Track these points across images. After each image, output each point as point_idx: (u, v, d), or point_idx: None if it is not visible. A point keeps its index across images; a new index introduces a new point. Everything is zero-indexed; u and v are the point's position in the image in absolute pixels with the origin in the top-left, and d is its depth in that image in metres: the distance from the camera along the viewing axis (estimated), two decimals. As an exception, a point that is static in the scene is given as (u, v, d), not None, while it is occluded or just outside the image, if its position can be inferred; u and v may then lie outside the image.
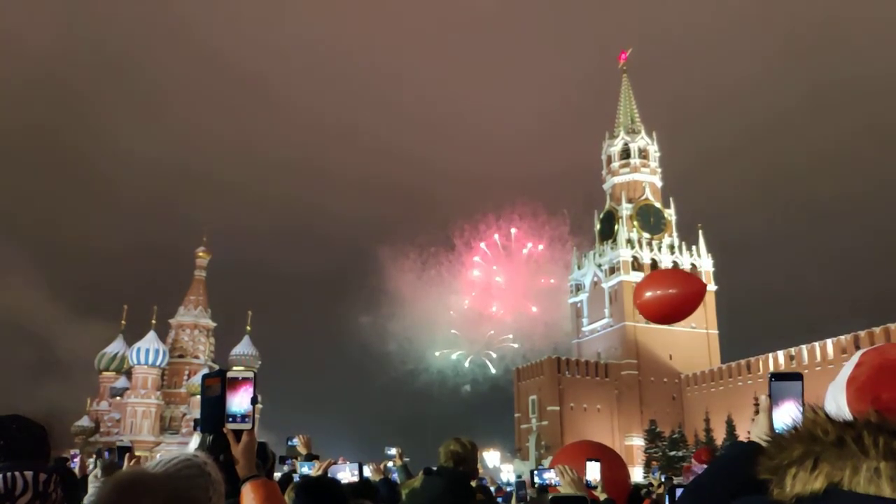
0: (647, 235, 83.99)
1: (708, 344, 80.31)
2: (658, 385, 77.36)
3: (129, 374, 71.12)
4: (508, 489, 11.87)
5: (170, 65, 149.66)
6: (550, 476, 4.17)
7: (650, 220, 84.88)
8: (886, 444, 1.03)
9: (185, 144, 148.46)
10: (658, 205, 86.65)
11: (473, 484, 4.57)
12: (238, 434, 2.15)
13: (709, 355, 79.19)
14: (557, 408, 74.88)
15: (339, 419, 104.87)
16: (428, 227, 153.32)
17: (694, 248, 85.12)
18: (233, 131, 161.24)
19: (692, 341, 77.98)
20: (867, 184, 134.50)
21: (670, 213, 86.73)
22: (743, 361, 72.17)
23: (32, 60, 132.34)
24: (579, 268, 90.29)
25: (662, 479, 11.89)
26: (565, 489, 3.67)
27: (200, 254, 78.79)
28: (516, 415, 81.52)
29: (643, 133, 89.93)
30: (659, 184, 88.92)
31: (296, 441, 5.76)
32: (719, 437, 63.46)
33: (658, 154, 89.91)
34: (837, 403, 1.50)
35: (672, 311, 8.33)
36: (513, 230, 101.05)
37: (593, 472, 4.13)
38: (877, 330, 60.80)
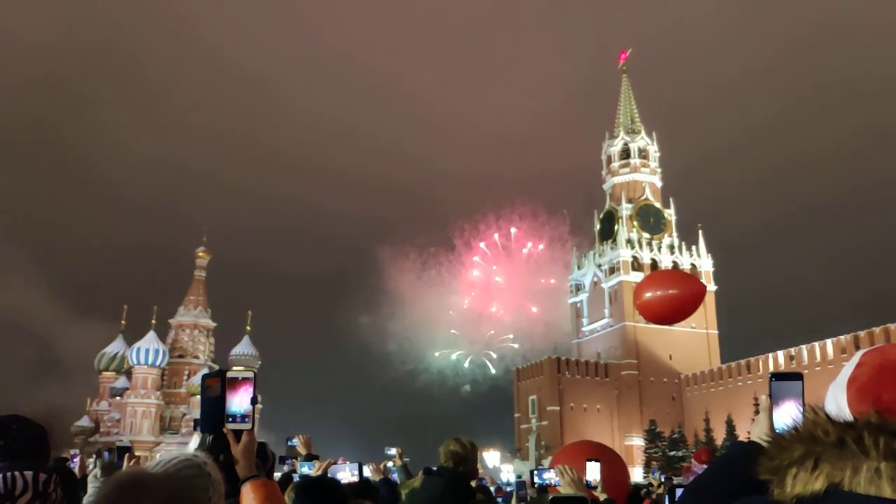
0: (646, 235, 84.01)
1: (708, 344, 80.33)
2: (658, 385, 77.37)
3: (128, 374, 71.10)
4: (508, 489, 11.88)
5: (170, 64, 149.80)
6: (550, 476, 4.17)
7: (650, 220, 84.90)
8: (887, 445, 1.03)
9: (185, 144, 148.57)
10: (658, 205, 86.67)
11: (473, 484, 4.57)
12: (238, 434, 2.15)
13: (709, 355, 79.21)
14: (557, 408, 74.88)
15: (339, 419, 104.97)
16: (428, 227, 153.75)
17: (694, 248, 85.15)
18: (233, 131, 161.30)
19: (692, 341, 77.99)
20: (867, 184, 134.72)
21: (670, 213, 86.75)
22: (743, 361, 72.17)
23: (32, 59, 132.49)
24: (579, 268, 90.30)
25: (662, 479, 11.89)
26: (565, 489, 3.67)
27: (200, 254, 78.80)
28: (516, 415, 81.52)
29: (643, 133, 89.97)
30: (659, 184, 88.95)
31: (296, 441, 5.76)
32: (719, 437, 63.46)
33: (658, 154, 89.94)
34: (838, 404, 1.50)
35: (672, 311, 8.34)
36: (512, 230, 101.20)
37: (593, 472, 4.13)
38: (877, 330, 60.81)
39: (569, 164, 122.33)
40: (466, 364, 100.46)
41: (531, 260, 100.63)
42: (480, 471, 7.56)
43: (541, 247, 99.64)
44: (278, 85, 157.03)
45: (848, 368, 1.56)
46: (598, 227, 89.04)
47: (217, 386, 2.16)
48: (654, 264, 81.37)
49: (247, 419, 2.15)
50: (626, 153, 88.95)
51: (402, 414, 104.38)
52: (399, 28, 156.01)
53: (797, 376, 1.63)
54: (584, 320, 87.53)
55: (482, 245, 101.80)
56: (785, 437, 1.15)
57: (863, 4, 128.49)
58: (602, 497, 4.06)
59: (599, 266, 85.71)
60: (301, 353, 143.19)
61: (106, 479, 2.80)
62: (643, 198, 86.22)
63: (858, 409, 1.38)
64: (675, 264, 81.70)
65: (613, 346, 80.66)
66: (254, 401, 2.17)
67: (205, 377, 2.22)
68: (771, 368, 64.96)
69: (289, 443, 5.91)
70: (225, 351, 78.99)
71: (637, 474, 57.94)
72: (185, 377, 72.57)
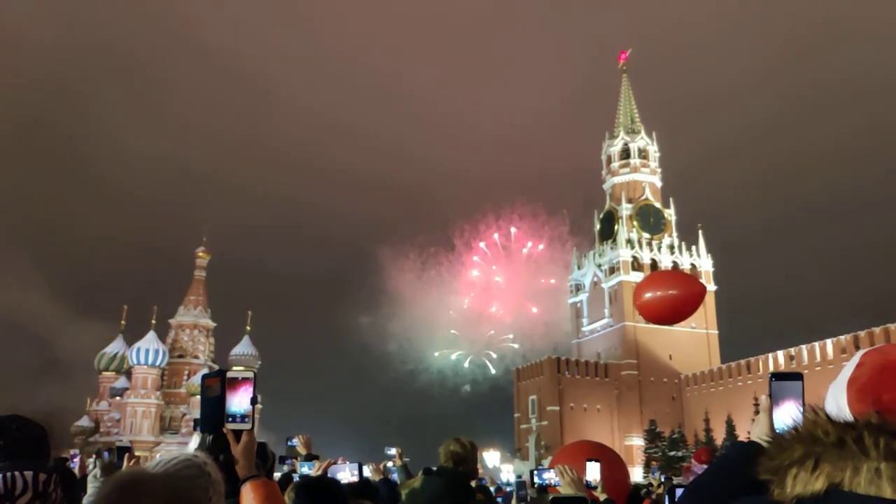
0: (646, 235, 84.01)
1: (708, 344, 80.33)
2: (658, 385, 77.37)
3: (128, 374, 71.12)
4: (508, 489, 11.88)
5: (170, 64, 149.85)
6: (550, 476, 4.16)
7: (650, 221, 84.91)
8: (887, 445, 1.04)
9: (185, 144, 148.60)
10: (658, 205, 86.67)
11: (473, 484, 4.57)
12: (238, 434, 2.15)
13: (709, 355, 79.21)
14: (557, 408, 74.88)
15: (339, 419, 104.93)
16: (428, 227, 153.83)
17: (694, 248, 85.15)
18: (233, 131, 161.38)
19: (692, 341, 77.99)
20: (867, 184, 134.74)
21: (670, 214, 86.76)
22: (743, 361, 72.17)
23: (33, 59, 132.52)
24: (579, 268, 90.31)
25: (662, 479, 11.89)
26: (565, 489, 3.67)
27: (200, 254, 78.81)
28: (516, 415, 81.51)
29: (643, 133, 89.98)
30: (659, 184, 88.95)
31: (295, 441, 5.76)
32: (719, 437, 63.46)
33: (658, 154, 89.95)
34: (838, 404, 1.50)
35: (672, 312, 8.34)
36: (512, 230, 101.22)
37: (593, 472, 4.13)
38: (877, 330, 60.80)
39: (569, 164, 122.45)
40: (466, 364, 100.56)
41: (531, 260, 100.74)
42: (480, 471, 7.56)
43: (541, 247, 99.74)
44: (278, 85, 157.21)
45: (848, 369, 1.56)
46: (598, 227, 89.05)
47: (217, 386, 2.16)
48: (654, 264, 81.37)
49: (247, 419, 2.15)
50: (626, 153, 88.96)
51: (402, 414, 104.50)
52: (399, 28, 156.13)
53: (797, 376, 1.63)
54: (584, 320, 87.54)
55: (482, 245, 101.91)
56: (785, 438, 1.15)
57: (862, 4, 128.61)
58: (602, 497, 4.06)
59: (599, 266, 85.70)
60: (301, 353, 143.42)
61: (106, 479, 2.80)
62: (643, 198, 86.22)
63: (858, 410, 1.38)
64: (675, 264, 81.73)
65: (613, 346, 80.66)
66: (254, 401, 2.17)
67: (205, 377, 2.22)
68: (771, 368, 64.95)
69: (289, 443, 5.91)
70: (225, 351, 79.13)
71: (637, 474, 57.94)
72: (185, 377, 72.59)
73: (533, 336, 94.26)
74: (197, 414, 2.36)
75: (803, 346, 66.40)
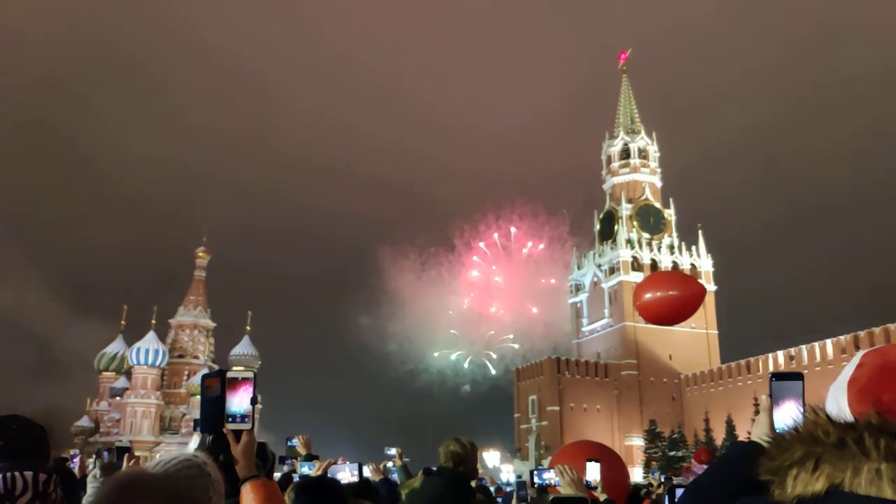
0: (646, 235, 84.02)
1: (708, 344, 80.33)
2: (658, 385, 77.37)
3: (128, 374, 71.13)
4: (508, 489, 11.88)
5: (170, 64, 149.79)
6: (550, 476, 4.16)
7: (650, 221, 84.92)
8: (888, 446, 1.04)
9: (185, 144, 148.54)
10: (658, 205, 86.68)
11: (473, 484, 4.57)
12: (238, 434, 2.14)
13: (708, 355, 79.22)
14: (557, 408, 74.88)
15: (339, 419, 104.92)
16: (428, 227, 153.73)
17: (694, 248, 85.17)
18: (233, 131, 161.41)
19: (692, 341, 78.00)
20: (867, 184, 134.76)
21: (670, 214, 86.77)
22: (743, 361, 72.17)
23: (32, 59, 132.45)
24: (579, 268, 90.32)
25: (662, 480, 11.89)
26: (565, 489, 3.67)
27: (200, 254, 78.81)
28: (516, 415, 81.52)
29: (643, 133, 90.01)
30: (659, 184, 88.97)
31: (295, 441, 5.76)
32: (719, 437, 63.45)
33: (658, 154, 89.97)
34: (838, 404, 1.50)
35: (672, 313, 8.34)
36: (512, 230, 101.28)
37: (593, 472, 4.13)
38: (877, 330, 60.79)
39: (569, 164, 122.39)
40: (466, 364, 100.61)
41: (531, 260, 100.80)
42: (480, 471, 7.56)
43: (541, 247, 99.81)
44: (278, 85, 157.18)
45: (848, 369, 1.56)
46: (597, 227, 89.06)
47: (217, 386, 2.16)
48: (654, 264, 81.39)
49: (247, 419, 2.15)
50: (625, 153, 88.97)
51: (402, 414, 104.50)
52: (399, 28, 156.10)
53: (798, 376, 1.63)
54: (584, 320, 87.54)
55: (482, 245, 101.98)
56: (785, 438, 1.15)
57: (862, 4, 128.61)
58: (602, 497, 4.06)
59: (599, 266, 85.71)
60: (301, 353, 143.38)
61: (105, 479, 2.80)
62: (643, 198, 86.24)
63: (859, 410, 1.38)
64: (675, 264, 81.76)
65: (613, 346, 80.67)
66: (254, 401, 2.17)
67: (204, 377, 2.22)
68: (771, 368, 64.96)
69: (288, 443, 5.91)
70: (225, 351, 79.12)
71: (637, 474, 57.95)
72: (185, 377, 72.59)
73: (533, 336, 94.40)
74: (197, 414, 2.36)
75: (803, 346, 66.41)
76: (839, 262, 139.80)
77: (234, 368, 2.89)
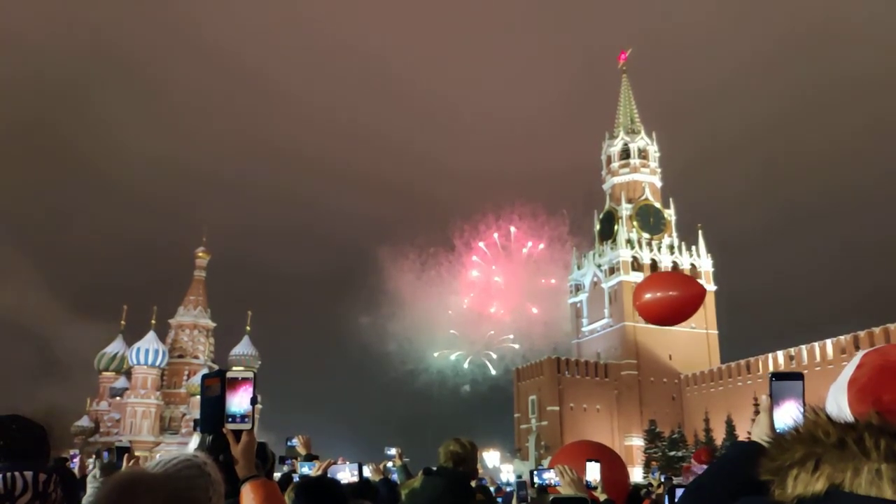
0: (646, 235, 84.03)
1: (708, 344, 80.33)
2: (658, 385, 77.38)
3: (128, 374, 71.11)
4: (508, 489, 11.87)
5: (170, 63, 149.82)
6: (550, 476, 4.16)
7: (650, 221, 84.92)
8: (888, 446, 1.04)
9: (185, 143, 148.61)
10: (658, 205, 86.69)
11: (473, 484, 4.57)
12: (238, 434, 2.14)
13: (708, 355, 79.22)
14: (557, 408, 74.88)
15: (339, 419, 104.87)
16: (428, 227, 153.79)
17: (694, 248, 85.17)
18: (233, 130, 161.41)
19: (692, 341, 77.99)
20: (867, 183, 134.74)
21: (670, 214, 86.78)
22: (743, 361, 72.17)
23: (32, 59, 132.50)
24: (579, 268, 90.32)
25: (662, 480, 11.90)
26: (565, 489, 3.67)
27: (200, 254, 78.80)
28: (516, 415, 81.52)
29: (643, 133, 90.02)
30: (659, 184, 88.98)
31: (295, 441, 5.75)
32: (719, 437, 63.45)
33: (658, 154, 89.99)
34: (839, 405, 1.50)
35: (672, 313, 8.34)
36: (512, 229, 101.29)
37: (593, 472, 4.13)
38: (877, 330, 60.79)
39: (569, 164, 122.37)
40: (466, 364, 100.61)
41: (531, 260, 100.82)
42: (480, 471, 7.56)
43: (541, 247, 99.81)
44: (278, 85, 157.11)
45: (848, 369, 1.56)
46: (597, 227, 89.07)
47: (217, 386, 2.16)
48: (654, 264, 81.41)
49: (246, 419, 2.15)
50: (625, 153, 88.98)
51: (402, 414, 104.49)
52: (399, 28, 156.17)
53: (798, 376, 1.63)
54: (584, 320, 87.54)
55: (482, 245, 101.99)
56: (786, 438, 1.15)
57: (862, 3, 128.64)
58: (602, 497, 4.06)
59: (599, 266, 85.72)
60: (301, 353, 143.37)
61: (105, 479, 2.80)
62: (643, 198, 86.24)
63: (859, 411, 1.38)
64: (675, 264, 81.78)
65: (613, 346, 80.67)
66: (253, 401, 2.16)
67: (204, 377, 2.22)
68: (771, 368, 64.97)
69: (288, 443, 5.91)
70: (225, 351, 79.11)
71: (637, 474, 57.96)
72: (185, 377, 72.57)
73: (533, 336, 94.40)
74: (197, 414, 2.36)
75: (803, 346, 66.41)
76: (839, 262, 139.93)
77: (234, 368, 2.89)
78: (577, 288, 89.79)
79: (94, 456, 5.05)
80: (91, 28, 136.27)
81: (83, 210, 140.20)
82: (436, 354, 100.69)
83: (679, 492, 4.19)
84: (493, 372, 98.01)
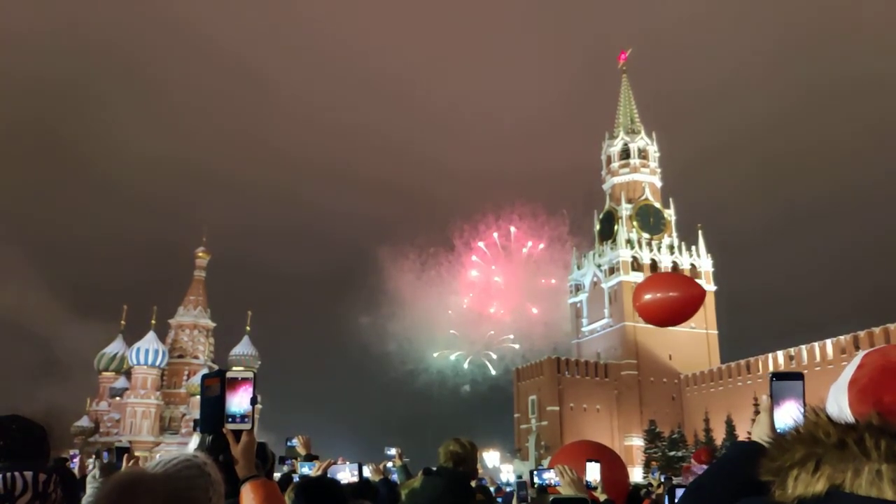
0: (646, 236, 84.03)
1: (707, 344, 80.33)
2: (658, 385, 77.38)
3: (128, 374, 71.11)
4: (508, 489, 11.88)
5: (170, 63, 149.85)
6: (550, 476, 4.16)
7: (650, 221, 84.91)
8: (888, 447, 1.04)
9: (185, 143, 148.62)
10: (658, 205, 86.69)
11: (473, 484, 4.57)
12: (237, 434, 2.14)
13: (708, 355, 79.22)
14: (557, 408, 74.88)
15: (339, 419, 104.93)
16: (428, 227, 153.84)
17: (694, 248, 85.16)
18: (233, 130, 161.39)
19: (692, 341, 77.99)
20: (867, 183, 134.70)
21: (670, 214, 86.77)
22: (742, 361, 72.17)
23: (32, 58, 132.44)
24: (579, 268, 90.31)
25: (662, 480, 11.90)
26: (565, 489, 3.67)
27: (200, 254, 78.81)
28: (516, 415, 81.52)
29: (643, 133, 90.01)
30: (658, 184, 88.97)
31: (295, 442, 5.75)
32: (719, 437, 63.45)
33: (658, 154, 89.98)
34: (839, 405, 1.50)
35: (671, 314, 8.34)
36: (512, 229, 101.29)
37: (593, 472, 4.13)
38: (877, 330, 60.77)
39: (569, 164, 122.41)
40: (466, 364, 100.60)
41: (531, 260, 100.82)
42: (480, 471, 7.56)
43: (541, 247, 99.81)
44: (279, 85, 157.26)
45: (849, 370, 1.56)
46: (597, 227, 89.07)
47: (216, 386, 2.16)
48: (654, 264, 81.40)
49: (246, 419, 2.15)
50: (625, 153, 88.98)
51: (402, 414, 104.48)
52: (399, 28, 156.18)
53: (798, 376, 1.63)
54: (584, 320, 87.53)
55: (481, 245, 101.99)
56: (786, 438, 1.15)
57: (861, 3, 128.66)
58: (602, 497, 4.05)
59: (599, 266, 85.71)
60: (301, 353, 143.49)
61: (105, 479, 2.80)
62: (643, 198, 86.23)
63: (860, 411, 1.38)
64: (675, 264, 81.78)
65: (613, 346, 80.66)
66: (253, 401, 2.16)
67: (204, 377, 2.22)
68: (771, 368, 64.96)
69: (288, 443, 5.91)
70: (225, 351, 79.13)
71: (637, 474, 57.97)
72: (185, 377, 72.58)
73: (533, 336, 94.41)
74: (197, 414, 2.36)
75: (803, 347, 66.40)
76: (839, 262, 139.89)
77: (234, 368, 2.89)
78: (577, 288, 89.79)
79: (93, 456, 5.05)
80: (91, 28, 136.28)
81: (83, 210, 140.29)
82: (436, 354, 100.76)
83: (679, 492, 4.20)
84: (493, 372, 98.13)
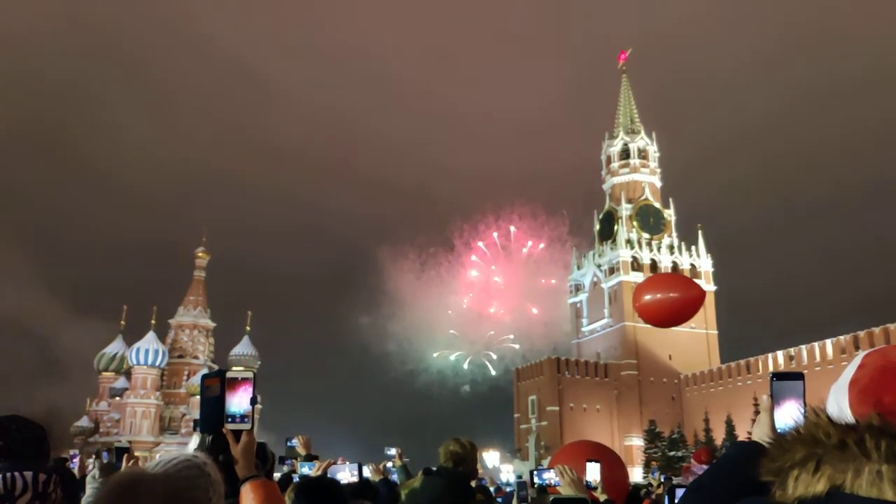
0: (646, 236, 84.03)
1: (707, 344, 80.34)
2: (658, 385, 77.38)
3: (128, 374, 71.10)
4: (508, 489, 11.88)
5: (172, 62, 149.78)
6: (550, 476, 4.16)
7: (650, 221, 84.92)
8: (889, 448, 1.04)
9: (185, 142, 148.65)
10: (657, 205, 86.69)
11: (473, 484, 4.57)
12: (237, 434, 2.14)
13: (708, 355, 79.23)
14: (557, 408, 74.88)
15: (339, 419, 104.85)
16: (427, 228, 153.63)
17: (693, 248, 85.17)
18: (233, 129, 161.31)
19: (692, 341, 77.99)
20: (867, 182, 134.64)
21: (670, 214, 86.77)
22: (742, 361, 72.17)
23: (32, 57, 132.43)
24: (579, 268, 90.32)
25: (662, 480, 11.90)
26: (565, 489, 3.67)
27: (200, 254, 78.81)
28: (516, 415, 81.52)
29: (643, 133, 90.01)
30: (658, 184, 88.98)
31: (295, 442, 5.75)
32: (719, 437, 63.46)
33: (657, 154, 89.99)
34: (840, 405, 1.50)
35: (671, 315, 8.33)
36: (512, 229, 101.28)
37: (593, 472, 4.12)
38: (876, 330, 60.76)
39: (569, 164, 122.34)
40: (466, 364, 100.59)
41: (531, 260, 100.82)
42: (480, 471, 7.56)
43: (541, 247, 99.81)
44: (279, 84, 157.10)
45: (849, 370, 1.55)
46: (597, 227, 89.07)
47: (216, 386, 2.16)
48: (654, 264, 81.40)
49: (246, 419, 2.15)
50: (625, 153, 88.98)
51: (402, 414, 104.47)
52: (399, 28, 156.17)
53: (798, 376, 1.63)
54: (584, 320, 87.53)
55: (481, 245, 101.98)
56: (786, 439, 1.15)
57: (861, 3, 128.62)
58: (602, 497, 4.05)
59: (599, 266, 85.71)
60: (301, 353, 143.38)
61: (105, 479, 2.80)
62: (643, 198, 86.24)
63: (860, 411, 1.38)
64: (675, 264, 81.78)
65: (613, 346, 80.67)
66: (253, 401, 2.16)
67: (204, 377, 2.22)
68: (771, 368, 64.97)
69: (288, 443, 5.91)
70: (225, 351, 79.12)
71: (637, 474, 57.97)
72: (185, 377, 72.57)
73: (532, 336, 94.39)
74: (196, 414, 2.36)
75: (803, 346, 66.40)
76: (839, 262, 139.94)
77: (234, 368, 2.89)
78: (577, 288, 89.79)
79: (93, 456, 5.05)
80: (91, 28, 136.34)
81: (83, 210, 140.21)
82: (436, 354, 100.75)
83: (679, 492, 4.20)
84: (493, 372, 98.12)
